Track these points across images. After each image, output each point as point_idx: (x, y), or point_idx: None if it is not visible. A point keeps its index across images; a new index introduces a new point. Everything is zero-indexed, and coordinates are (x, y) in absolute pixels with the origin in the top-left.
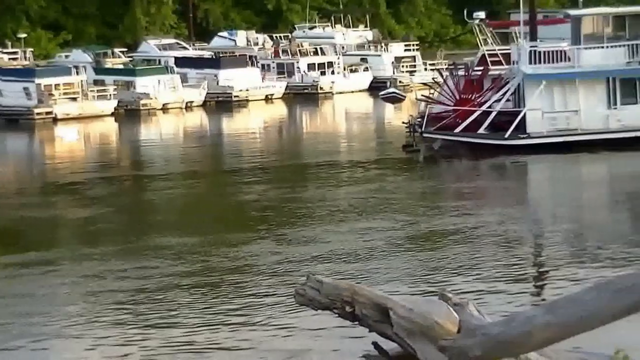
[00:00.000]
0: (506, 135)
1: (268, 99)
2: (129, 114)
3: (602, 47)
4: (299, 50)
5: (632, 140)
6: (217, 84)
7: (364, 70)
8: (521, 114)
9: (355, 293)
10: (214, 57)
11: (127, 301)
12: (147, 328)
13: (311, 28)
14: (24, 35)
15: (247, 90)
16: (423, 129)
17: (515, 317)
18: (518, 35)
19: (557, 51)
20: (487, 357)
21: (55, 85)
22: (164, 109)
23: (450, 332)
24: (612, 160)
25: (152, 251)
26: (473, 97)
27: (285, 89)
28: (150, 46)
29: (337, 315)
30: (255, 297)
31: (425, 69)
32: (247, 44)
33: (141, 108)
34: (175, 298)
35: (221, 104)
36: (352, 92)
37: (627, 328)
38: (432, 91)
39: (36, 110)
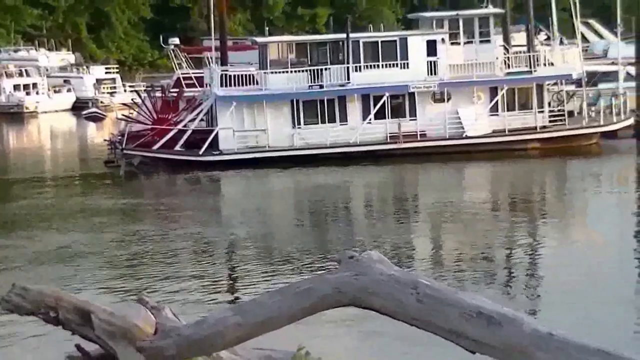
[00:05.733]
0: (200, 152)
1: None
2: None
3: (287, 72)
4: (5, 71)
5: (314, 156)
6: None
7: (67, 91)
8: (214, 133)
9: (59, 299)
10: None
11: None
12: None
13: (16, 51)
14: None
15: None
16: (123, 146)
17: (207, 319)
18: (210, 60)
19: (246, 75)
20: (181, 356)
21: None
22: None
23: (148, 333)
24: (296, 175)
25: None
26: (169, 117)
27: None
28: None
29: (42, 319)
30: None
31: (125, 90)
32: None
33: None
34: None
35: None
36: (57, 111)
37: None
38: (131, 111)
39: None
